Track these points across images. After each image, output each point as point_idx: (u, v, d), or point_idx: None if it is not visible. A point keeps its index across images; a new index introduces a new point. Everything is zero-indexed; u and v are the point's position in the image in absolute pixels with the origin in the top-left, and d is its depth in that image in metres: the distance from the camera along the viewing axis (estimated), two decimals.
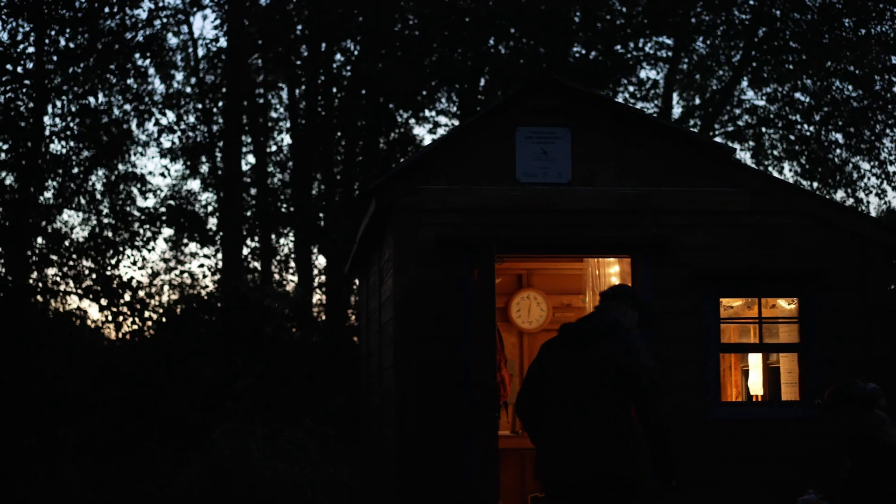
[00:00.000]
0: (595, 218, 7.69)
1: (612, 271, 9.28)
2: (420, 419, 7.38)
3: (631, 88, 21.48)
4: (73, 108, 17.51)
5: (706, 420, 7.56)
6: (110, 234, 17.75)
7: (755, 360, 9.37)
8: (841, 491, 5.52)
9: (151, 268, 21.41)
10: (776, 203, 7.85)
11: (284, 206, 21.59)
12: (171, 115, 20.21)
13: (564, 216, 7.66)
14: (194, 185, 22.13)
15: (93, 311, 18.04)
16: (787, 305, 8.32)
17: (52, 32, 17.28)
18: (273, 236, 22.59)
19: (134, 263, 17.79)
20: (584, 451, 5.32)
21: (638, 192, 7.73)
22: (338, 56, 21.32)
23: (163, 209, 19.26)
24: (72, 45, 17.42)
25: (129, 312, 16.62)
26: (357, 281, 15.22)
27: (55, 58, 17.23)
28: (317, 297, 21.98)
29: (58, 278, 17.17)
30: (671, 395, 7.59)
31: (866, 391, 5.43)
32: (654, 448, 5.46)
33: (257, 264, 22.44)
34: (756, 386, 9.36)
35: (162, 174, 19.82)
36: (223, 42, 23.42)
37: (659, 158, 7.79)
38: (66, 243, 17.74)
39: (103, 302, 16.62)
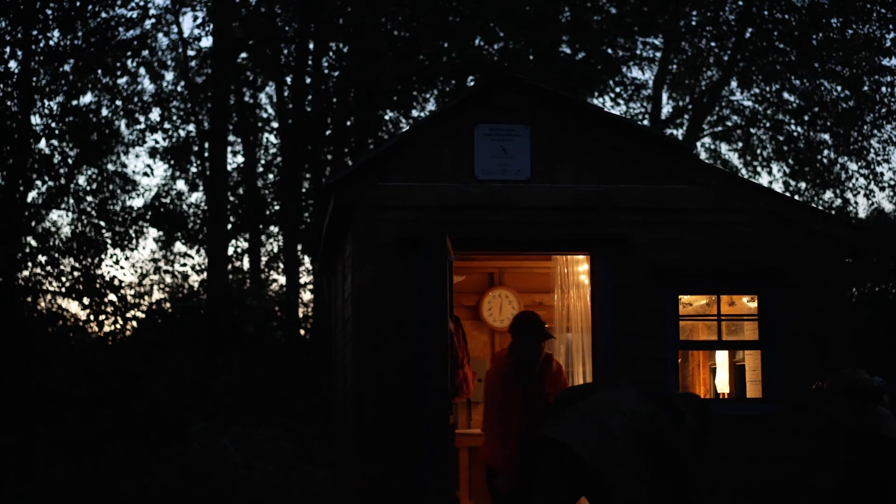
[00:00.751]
0: (554, 215, 7.69)
1: (581, 269, 9.28)
2: (378, 415, 7.39)
3: (617, 89, 21.48)
4: (55, 107, 17.54)
5: None
6: (92, 233, 17.78)
7: (722, 359, 9.39)
8: (839, 486, 5.37)
9: (140, 268, 21.48)
10: (737, 200, 7.85)
11: (272, 205, 21.63)
12: (155, 115, 20.24)
13: (523, 213, 7.66)
14: (182, 184, 22.17)
15: (76, 310, 18.05)
16: (750, 303, 8.32)
17: (36, 32, 17.30)
18: (262, 236, 22.66)
19: (116, 262, 17.83)
20: (602, 448, 5.44)
21: (597, 190, 7.74)
22: (325, 56, 21.33)
23: (145, 208, 19.30)
24: (52, 44, 17.44)
25: (110, 311, 16.66)
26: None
27: (41, 58, 17.25)
28: (308, 296, 22.03)
29: (41, 277, 17.22)
30: None
31: (873, 385, 5.31)
32: None
33: (246, 264, 22.50)
34: (723, 384, 9.38)
35: (145, 173, 19.84)
36: (208, 41, 23.46)
37: (619, 156, 7.79)
38: (51, 242, 17.77)
39: (85, 301, 16.66)
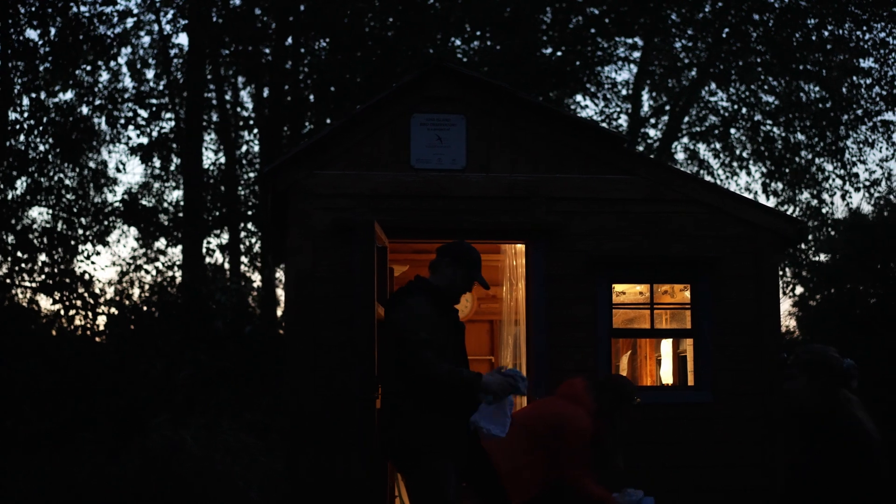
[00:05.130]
0: (489, 204, 7.77)
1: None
2: (315, 401, 7.46)
3: (593, 89, 21.54)
4: (28, 103, 17.61)
5: None
6: (65, 229, 17.85)
7: (667, 350, 9.49)
8: (794, 478, 4.62)
9: (121, 265, 21.55)
10: (671, 191, 7.93)
11: (251, 202, 21.73)
12: (129, 113, 20.30)
13: (458, 202, 7.74)
14: (160, 181, 22.21)
15: (47, 305, 18.08)
16: (684, 292, 8.40)
17: (12, 31, 17.37)
18: (242, 233, 22.74)
19: (87, 258, 17.90)
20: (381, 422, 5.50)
21: (532, 179, 7.82)
22: (301, 54, 21.41)
23: (118, 203, 19.36)
24: (24, 38, 17.51)
25: (80, 306, 16.72)
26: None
27: (9, 51, 17.31)
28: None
29: (16, 272, 17.29)
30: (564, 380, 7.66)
31: (843, 365, 4.65)
32: (442, 393, 5.45)
33: (227, 261, 22.56)
34: (667, 374, 9.47)
35: (117, 169, 19.90)
36: (182, 39, 23.50)
37: (554, 146, 7.87)
38: (29, 237, 17.84)
39: (56, 296, 16.73)
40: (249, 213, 21.56)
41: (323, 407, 7.46)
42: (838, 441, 4.45)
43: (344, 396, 7.39)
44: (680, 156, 23.59)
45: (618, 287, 8.26)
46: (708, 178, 23.31)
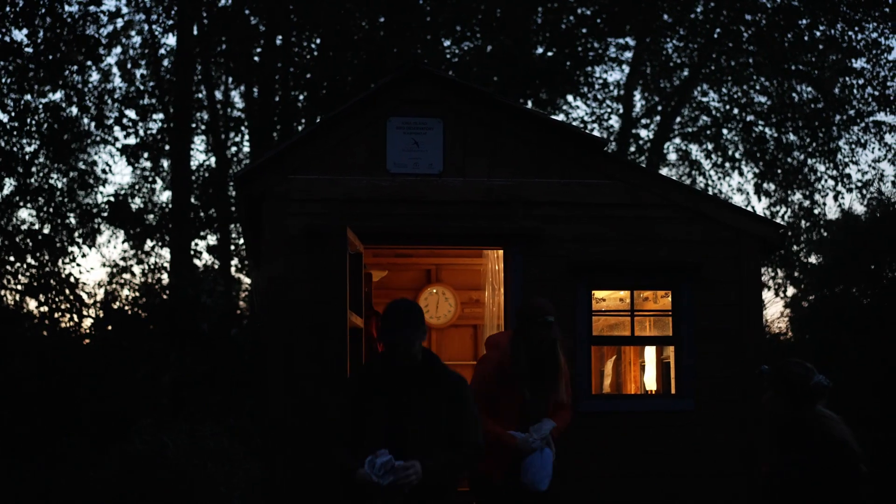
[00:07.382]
0: (467, 209, 7.65)
1: None
2: (284, 409, 7.35)
3: (584, 89, 21.42)
4: (10, 103, 17.48)
5: (576, 412, 7.48)
6: (50, 230, 17.72)
7: (651, 356, 9.36)
8: (778, 485, 4.71)
9: (111, 267, 21.41)
10: (651, 195, 7.81)
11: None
12: (115, 112, 20.16)
13: (435, 207, 7.62)
14: (148, 182, 22.05)
15: (33, 307, 17.96)
16: (664, 298, 8.28)
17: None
18: (233, 234, 22.60)
19: (73, 260, 17.77)
20: None
21: (511, 184, 7.70)
22: (292, 54, 21.28)
23: (104, 205, 19.23)
24: (9, 40, 17.38)
25: (66, 308, 16.59)
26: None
27: None
28: None
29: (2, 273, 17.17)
30: None
31: (809, 382, 4.71)
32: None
33: (215, 263, 22.43)
34: (651, 381, 9.35)
35: (103, 170, 19.77)
36: (171, 39, 23.30)
37: (533, 150, 7.75)
38: (17, 240, 17.73)
39: (41, 298, 16.60)
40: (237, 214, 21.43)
41: (295, 413, 7.35)
42: (809, 453, 4.58)
43: (315, 403, 7.28)
44: (672, 156, 23.49)
45: (599, 294, 8.13)
46: (700, 178, 23.22)
